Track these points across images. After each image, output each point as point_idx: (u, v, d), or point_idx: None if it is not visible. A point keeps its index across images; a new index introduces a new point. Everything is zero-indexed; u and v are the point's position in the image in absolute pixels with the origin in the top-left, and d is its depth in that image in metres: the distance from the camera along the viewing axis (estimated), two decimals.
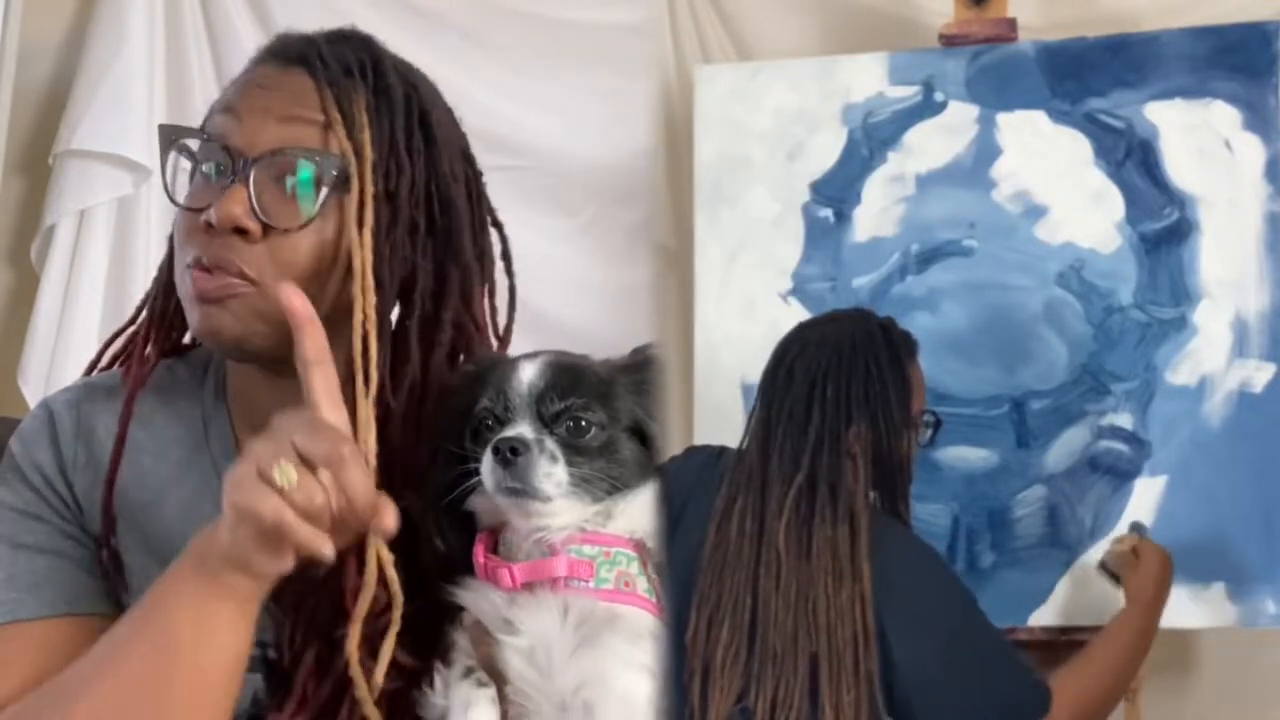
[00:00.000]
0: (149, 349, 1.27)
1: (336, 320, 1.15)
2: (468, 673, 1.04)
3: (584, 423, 1.05)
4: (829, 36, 3.12)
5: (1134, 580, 2.35)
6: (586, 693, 1.00)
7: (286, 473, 0.98)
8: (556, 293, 3.05)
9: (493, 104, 3.02)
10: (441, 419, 1.11)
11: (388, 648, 1.06)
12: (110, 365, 1.32)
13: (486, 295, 1.25)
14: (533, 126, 3.08)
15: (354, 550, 1.08)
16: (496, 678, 1.03)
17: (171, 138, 1.20)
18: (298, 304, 1.05)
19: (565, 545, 1.04)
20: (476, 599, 1.05)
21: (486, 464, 1.03)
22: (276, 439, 0.99)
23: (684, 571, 2.01)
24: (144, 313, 1.31)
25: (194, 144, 1.20)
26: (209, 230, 1.15)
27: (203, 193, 1.18)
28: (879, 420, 2.07)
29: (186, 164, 1.23)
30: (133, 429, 1.23)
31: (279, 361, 1.16)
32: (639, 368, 1.10)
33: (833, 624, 1.91)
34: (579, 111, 3.12)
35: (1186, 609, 2.53)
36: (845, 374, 2.09)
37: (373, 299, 1.14)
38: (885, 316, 2.26)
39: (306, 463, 0.98)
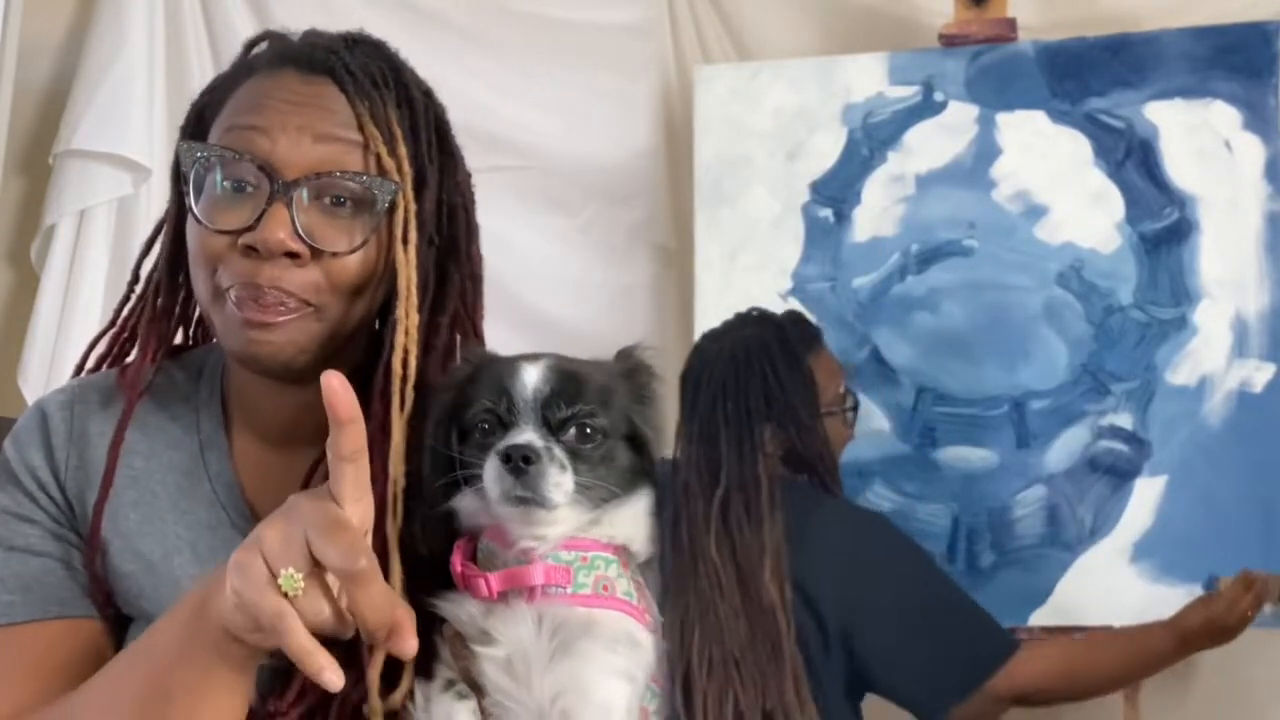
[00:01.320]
0: (146, 362, 1.23)
1: (356, 331, 1.16)
2: (448, 685, 1.03)
3: (588, 429, 1.03)
4: (829, 36, 3.12)
5: (1198, 611, 2.20)
6: (564, 701, 0.98)
7: (292, 581, 0.92)
8: (556, 293, 3.05)
9: (493, 104, 3.02)
10: (432, 417, 1.08)
11: (408, 677, 1.04)
12: (97, 368, 1.31)
13: (480, 297, 1.24)
14: (533, 126, 3.08)
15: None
16: (477, 690, 1.02)
17: (197, 154, 1.14)
18: (343, 400, 0.95)
19: (542, 552, 1.02)
20: (455, 610, 1.04)
21: (493, 471, 1.00)
22: (288, 533, 0.93)
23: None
24: (131, 318, 1.29)
25: (211, 155, 1.14)
26: (248, 254, 1.10)
27: (230, 211, 1.12)
28: (786, 423, 2.12)
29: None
30: (127, 431, 1.22)
31: (302, 378, 1.15)
32: (636, 373, 1.09)
33: (775, 627, 1.96)
34: (579, 111, 3.12)
35: None
36: (743, 386, 2.13)
37: (416, 317, 1.13)
38: (786, 312, 2.30)
39: (319, 563, 0.92)
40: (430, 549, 1.07)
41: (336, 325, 1.14)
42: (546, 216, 3.10)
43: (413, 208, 1.15)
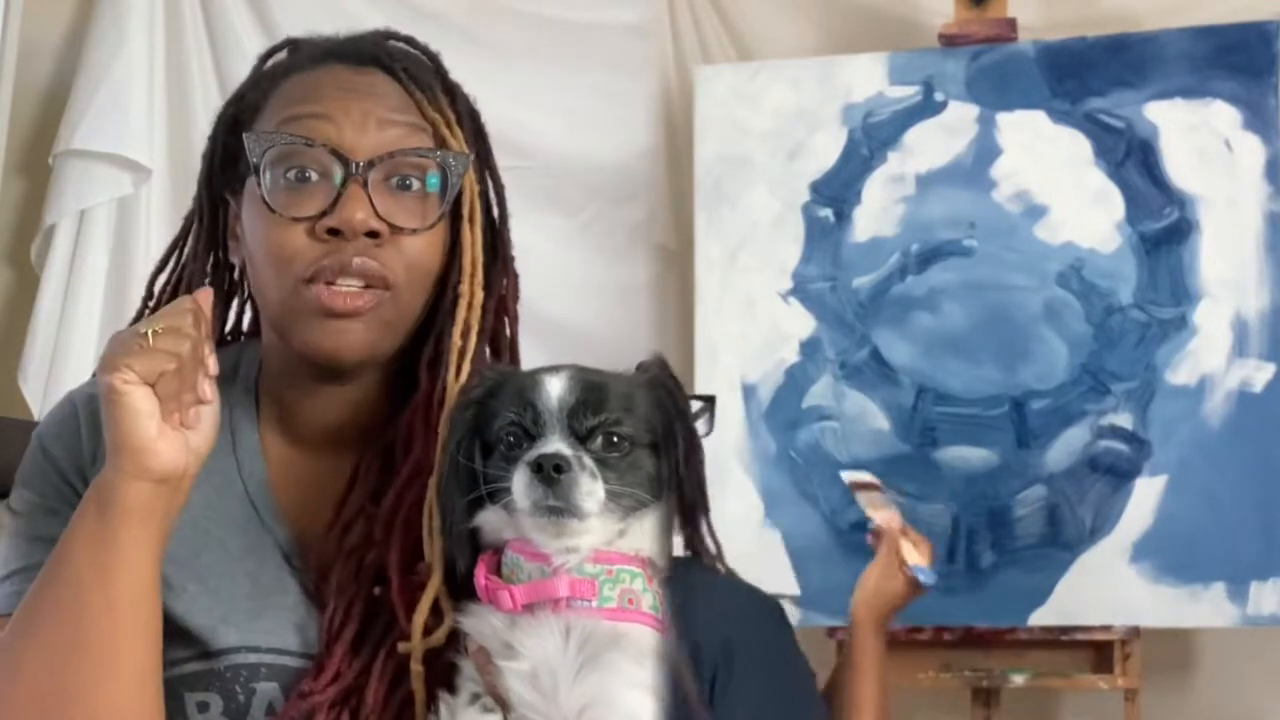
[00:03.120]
0: None
1: (421, 315, 1.19)
2: (474, 699, 1.04)
3: (615, 438, 1.04)
4: (829, 36, 3.12)
5: (884, 596, 1.98)
6: (591, 715, 0.99)
7: (153, 323, 1.05)
8: (556, 293, 3.04)
9: (493, 104, 3.01)
10: (454, 434, 1.08)
11: (427, 599, 1.08)
12: None
13: (517, 282, 1.28)
14: (533, 126, 3.08)
15: (398, 540, 1.13)
16: (503, 704, 1.02)
17: (268, 144, 1.16)
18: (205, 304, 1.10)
19: (571, 565, 1.02)
20: (478, 624, 1.04)
21: (522, 481, 1.01)
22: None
23: None
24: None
25: (280, 142, 1.16)
26: (329, 239, 1.13)
27: (298, 202, 1.14)
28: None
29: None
30: None
31: (356, 372, 1.19)
32: (656, 383, 1.10)
33: None
34: (579, 111, 3.12)
35: (1186, 609, 2.53)
36: None
37: (480, 294, 1.18)
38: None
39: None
40: (464, 566, 1.08)
41: (405, 312, 1.17)
42: (546, 216, 3.10)
43: (476, 187, 1.19)
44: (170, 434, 1.04)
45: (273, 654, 1.15)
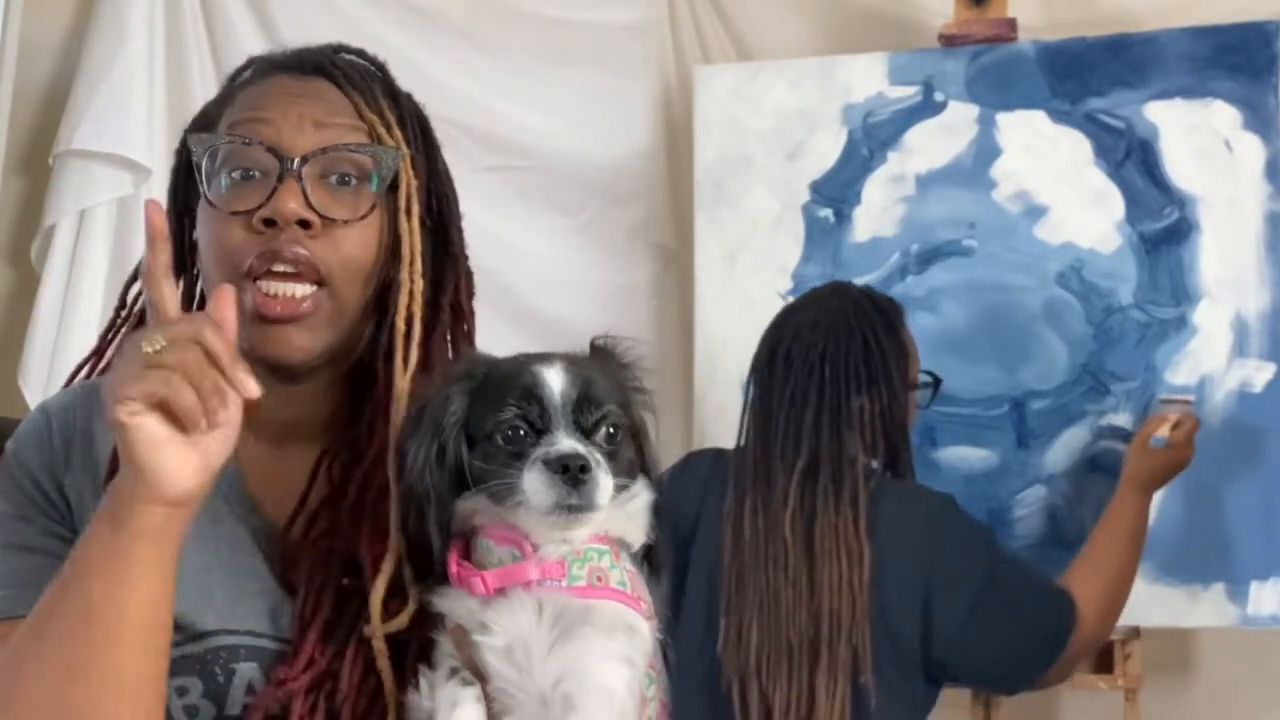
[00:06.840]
0: None
1: (366, 308, 1.22)
2: (452, 673, 1.06)
3: (614, 428, 1.06)
4: (829, 36, 3.12)
5: (1141, 462, 2.30)
6: (566, 686, 1.01)
7: (154, 341, 1.00)
8: (556, 293, 3.05)
9: (493, 104, 3.02)
10: (448, 425, 1.08)
11: (382, 581, 1.11)
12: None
13: (472, 284, 1.31)
14: (533, 126, 3.08)
15: (367, 528, 1.15)
16: (481, 677, 1.04)
17: (208, 144, 1.21)
18: (157, 219, 1.07)
19: (557, 553, 1.05)
20: (453, 605, 1.06)
21: (541, 481, 1.01)
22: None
23: (710, 576, 2.04)
24: (112, 340, 1.32)
25: (220, 143, 1.21)
26: (264, 231, 1.17)
27: (241, 198, 1.19)
28: (880, 391, 2.09)
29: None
30: None
31: (310, 371, 1.21)
32: (625, 367, 1.12)
33: (835, 610, 1.94)
34: (579, 111, 3.12)
35: (1186, 609, 2.53)
36: (844, 352, 2.10)
37: (421, 283, 1.21)
38: (864, 285, 2.29)
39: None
40: (440, 553, 1.09)
41: (342, 308, 1.20)
42: (546, 216, 3.10)
43: (414, 182, 1.23)
44: (189, 455, 1.02)
45: (250, 636, 1.17)
